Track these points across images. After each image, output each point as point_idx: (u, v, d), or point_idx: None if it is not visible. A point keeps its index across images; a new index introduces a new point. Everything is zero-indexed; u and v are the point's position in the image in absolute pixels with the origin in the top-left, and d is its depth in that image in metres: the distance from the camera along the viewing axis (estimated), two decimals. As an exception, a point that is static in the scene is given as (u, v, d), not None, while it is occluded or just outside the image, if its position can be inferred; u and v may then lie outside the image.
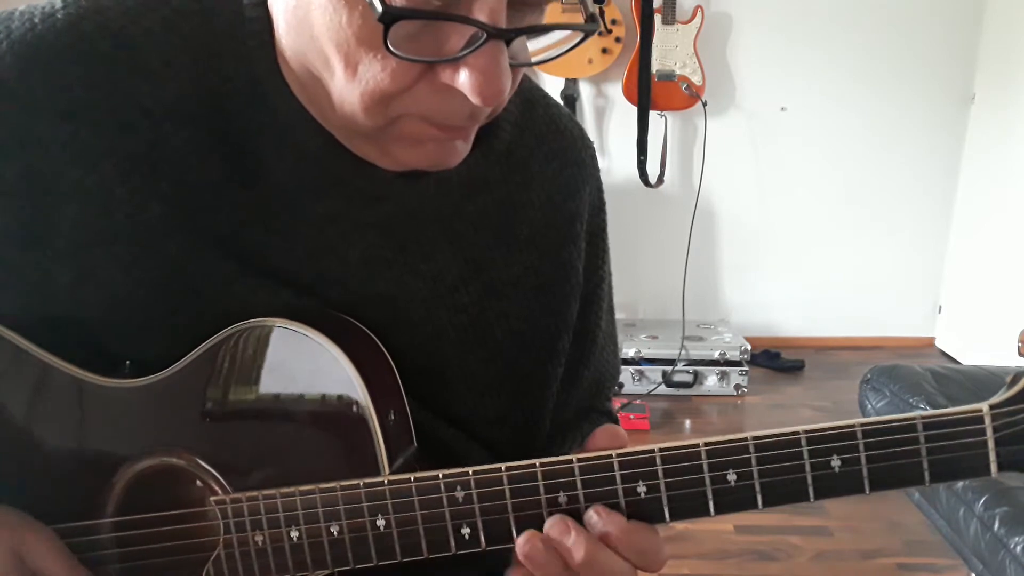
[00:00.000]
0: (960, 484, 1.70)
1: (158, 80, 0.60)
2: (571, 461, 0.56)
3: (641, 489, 0.56)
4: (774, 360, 3.59)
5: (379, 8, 0.47)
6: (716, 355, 3.30)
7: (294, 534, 0.59)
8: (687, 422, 3.11)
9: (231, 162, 0.61)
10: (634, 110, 3.34)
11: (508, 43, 0.51)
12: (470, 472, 0.57)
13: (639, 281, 3.66)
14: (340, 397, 0.59)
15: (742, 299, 3.81)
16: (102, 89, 0.59)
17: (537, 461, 0.56)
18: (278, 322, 0.59)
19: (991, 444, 0.53)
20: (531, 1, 0.51)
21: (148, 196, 0.60)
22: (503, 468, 0.57)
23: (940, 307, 3.82)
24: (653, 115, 3.37)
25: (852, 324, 3.82)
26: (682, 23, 3.37)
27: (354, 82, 0.52)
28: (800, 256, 3.77)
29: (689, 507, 0.56)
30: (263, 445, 0.61)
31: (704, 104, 3.44)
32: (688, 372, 3.29)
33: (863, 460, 0.54)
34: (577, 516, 0.56)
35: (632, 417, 3.01)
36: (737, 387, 3.29)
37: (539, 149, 0.71)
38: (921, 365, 2.05)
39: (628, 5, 3.35)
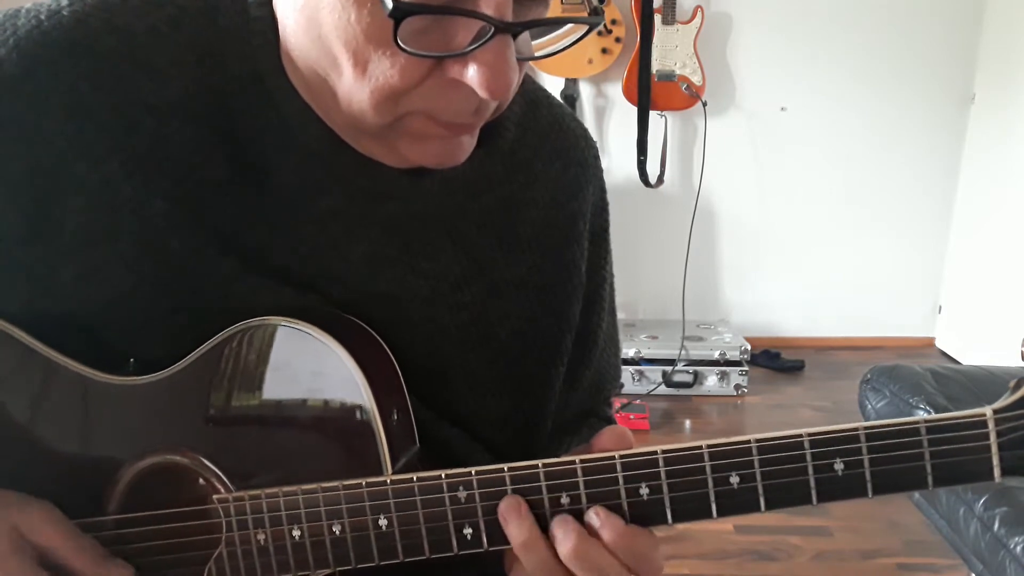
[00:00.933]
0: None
1: (163, 78, 0.60)
2: (574, 462, 0.56)
3: (644, 491, 0.56)
4: (774, 360, 3.58)
5: (389, 4, 0.47)
6: (716, 355, 3.30)
7: (296, 533, 0.59)
8: (687, 422, 3.11)
9: (235, 160, 0.61)
10: (634, 110, 3.34)
11: (515, 37, 0.51)
12: (473, 472, 0.57)
13: (639, 281, 3.66)
14: (343, 397, 0.59)
15: (742, 299, 3.81)
16: (107, 86, 0.59)
17: (540, 462, 0.57)
18: (282, 321, 0.59)
19: (994, 449, 0.53)
20: None
21: (152, 193, 0.60)
22: (506, 469, 0.57)
23: (940, 307, 3.82)
24: (653, 115, 3.38)
25: (852, 324, 3.82)
26: (682, 23, 3.37)
27: (363, 80, 0.52)
28: (800, 256, 3.77)
29: (691, 509, 0.56)
30: (266, 444, 0.61)
31: (704, 104, 3.44)
32: (688, 372, 3.29)
33: (866, 464, 0.54)
34: (579, 517, 0.57)
35: (632, 417, 3.01)
36: (737, 387, 3.29)
37: (543, 149, 0.71)
38: (921, 365, 2.05)
39: (628, 5, 3.35)
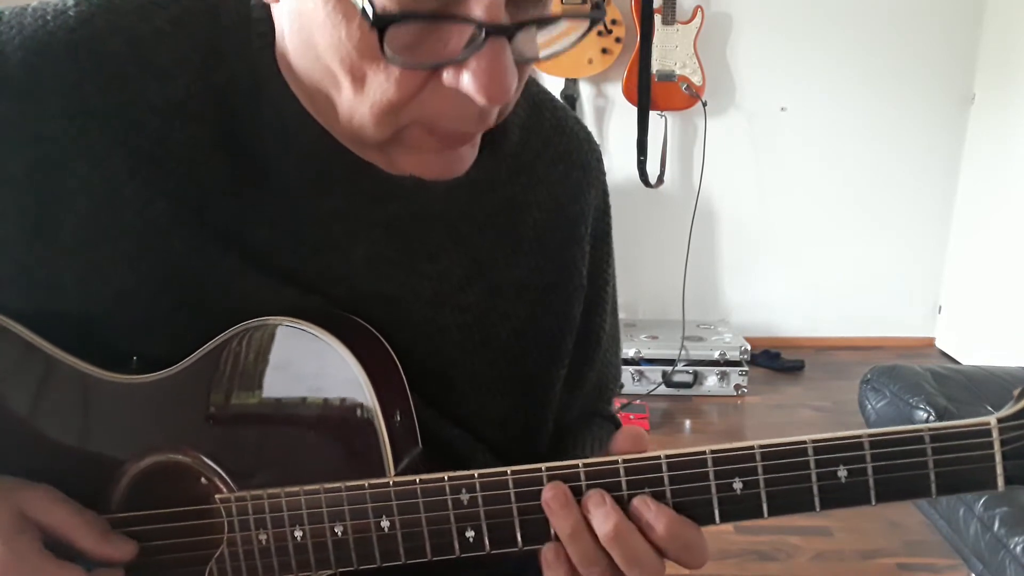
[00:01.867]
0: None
1: (167, 78, 0.60)
2: (577, 466, 0.56)
3: (647, 495, 0.56)
4: (774, 360, 3.58)
5: (370, 16, 0.47)
6: (716, 355, 3.30)
7: (298, 534, 0.59)
8: (687, 422, 3.11)
9: (237, 160, 0.61)
10: (634, 110, 3.34)
11: (511, 39, 0.50)
12: (475, 475, 0.57)
13: (639, 281, 3.66)
14: (346, 397, 0.59)
15: (742, 299, 3.81)
16: (111, 87, 0.59)
17: (543, 465, 0.56)
18: (285, 321, 0.59)
19: (999, 458, 0.53)
20: None
21: (154, 193, 0.60)
22: (508, 472, 0.57)
23: (940, 307, 3.82)
24: (653, 115, 3.37)
25: (852, 324, 3.82)
26: (682, 23, 3.37)
27: (362, 96, 0.52)
28: (800, 256, 3.77)
29: (694, 514, 0.56)
30: (268, 444, 0.61)
31: (704, 104, 3.44)
32: (688, 372, 3.29)
33: (870, 471, 0.54)
34: None
35: (632, 417, 3.01)
36: (737, 387, 3.29)
37: (546, 151, 0.71)
38: (921, 365, 2.05)
39: (628, 5, 3.35)
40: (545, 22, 0.52)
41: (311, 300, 0.63)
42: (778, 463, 0.55)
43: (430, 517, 0.57)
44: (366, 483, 0.58)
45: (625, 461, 0.56)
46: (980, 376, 2.03)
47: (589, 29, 0.54)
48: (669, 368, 3.28)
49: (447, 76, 0.51)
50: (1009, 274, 3.27)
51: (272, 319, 0.60)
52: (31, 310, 0.62)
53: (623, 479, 0.56)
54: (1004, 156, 3.35)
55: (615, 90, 3.50)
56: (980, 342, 3.50)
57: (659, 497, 0.56)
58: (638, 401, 3.17)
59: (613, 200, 0.79)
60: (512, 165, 0.69)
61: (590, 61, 3.40)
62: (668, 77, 3.39)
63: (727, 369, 3.29)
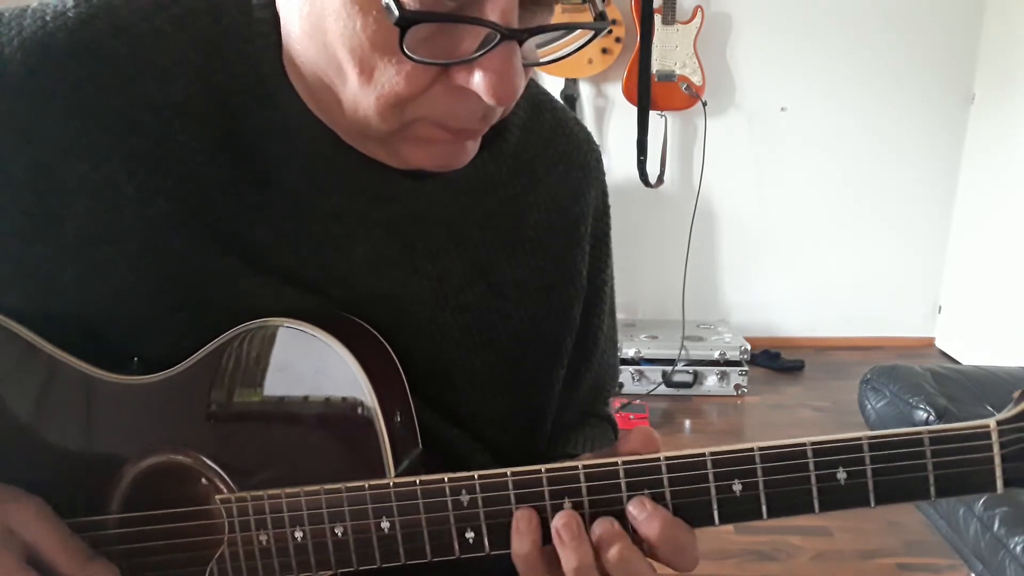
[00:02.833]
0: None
1: (167, 78, 0.60)
2: (576, 468, 0.56)
3: (646, 497, 0.56)
4: (774, 360, 3.59)
5: (396, 12, 0.47)
6: (716, 355, 3.30)
7: (298, 534, 0.59)
8: (687, 422, 3.11)
9: (238, 160, 0.61)
10: (634, 110, 3.34)
11: (521, 43, 0.51)
12: (475, 476, 0.57)
13: (639, 281, 3.66)
14: (347, 398, 0.59)
15: (742, 299, 3.81)
16: (112, 87, 0.59)
17: (543, 467, 0.56)
18: (286, 322, 0.59)
19: (998, 460, 0.53)
20: (542, 0, 0.51)
21: (155, 193, 0.60)
22: (508, 473, 0.57)
23: (940, 307, 3.82)
24: (653, 115, 3.37)
25: (852, 324, 3.83)
26: (682, 23, 3.37)
27: (369, 87, 0.52)
28: (800, 256, 3.78)
29: (693, 516, 0.56)
30: (269, 445, 0.61)
31: (704, 104, 3.44)
32: (688, 372, 3.29)
33: (869, 473, 0.54)
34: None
35: (632, 417, 3.01)
36: (737, 387, 3.29)
37: (546, 152, 0.71)
38: (921, 365, 2.05)
39: (628, 5, 3.35)
40: (557, 29, 0.53)
41: (312, 300, 0.63)
42: (777, 465, 0.54)
43: (430, 518, 0.57)
44: (366, 484, 0.58)
45: (625, 463, 0.56)
46: (980, 376, 2.03)
47: (591, 39, 0.55)
48: (669, 368, 3.29)
49: (458, 75, 0.52)
50: (1009, 274, 3.27)
51: (272, 320, 0.60)
52: (31, 310, 0.62)
53: (622, 480, 0.56)
54: (1004, 156, 3.35)
55: (615, 90, 3.50)
56: (980, 342, 3.50)
57: (658, 498, 0.56)
58: (638, 401, 3.18)
59: (613, 200, 0.79)
60: (512, 166, 0.69)
61: (590, 61, 3.40)
62: (668, 77, 3.39)
63: (727, 369, 3.29)
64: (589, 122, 3.58)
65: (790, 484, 0.55)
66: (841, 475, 0.54)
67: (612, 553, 0.55)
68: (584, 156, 0.74)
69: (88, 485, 0.63)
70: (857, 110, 3.60)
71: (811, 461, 0.54)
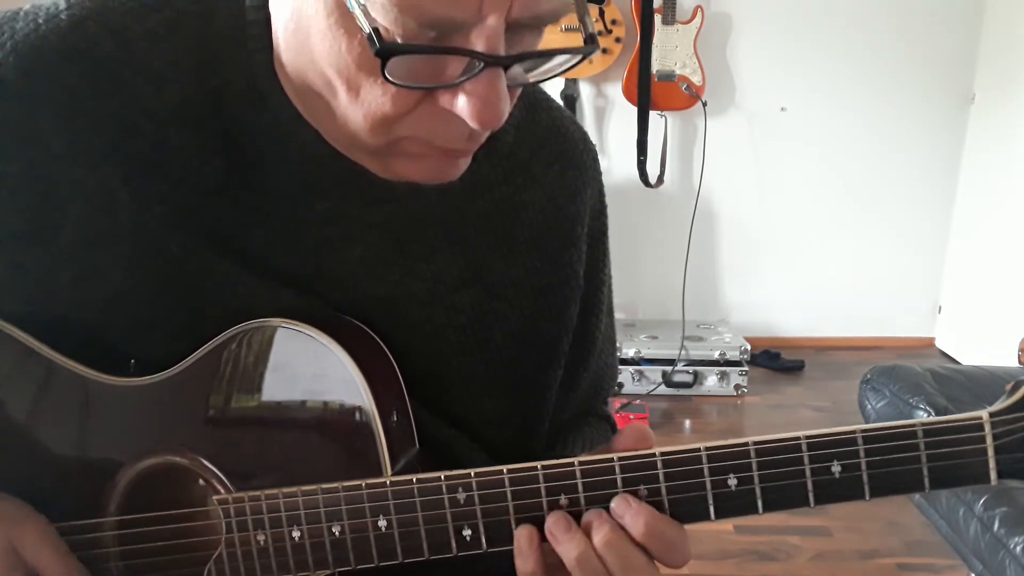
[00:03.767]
0: (960, 485, 1.70)
1: (161, 82, 0.60)
2: (572, 464, 0.56)
3: (642, 492, 0.56)
4: (774, 360, 3.59)
5: (377, 44, 0.47)
6: (716, 355, 3.30)
7: (296, 534, 0.59)
8: (687, 422, 3.11)
9: (232, 163, 0.61)
10: (634, 110, 3.34)
11: (506, 69, 0.51)
12: (472, 474, 0.57)
13: (639, 281, 3.66)
14: (343, 399, 0.59)
15: (742, 299, 3.81)
16: (105, 90, 0.59)
17: (539, 463, 0.57)
18: (282, 323, 0.59)
19: (991, 452, 0.53)
20: (529, 24, 0.51)
21: (150, 196, 0.60)
22: (505, 470, 0.57)
23: (940, 307, 3.82)
24: (653, 115, 3.37)
25: (852, 324, 3.82)
26: (682, 23, 3.37)
27: (357, 104, 0.53)
28: (800, 256, 3.77)
29: (690, 511, 0.56)
30: (266, 445, 0.61)
31: (704, 104, 3.44)
32: (688, 372, 3.29)
33: (863, 466, 0.54)
34: (578, 519, 0.56)
35: (632, 417, 3.01)
36: (737, 387, 3.29)
37: (541, 152, 0.71)
38: (921, 365, 2.05)
39: (628, 5, 3.35)
40: (540, 56, 0.53)
41: (307, 302, 0.63)
42: (772, 459, 0.55)
43: (427, 516, 0.58)
44: (363, 483, 0.58)
45: (621, 459, 0.56)
46: (980, 376, 2.03)
47: (581, 60, 0.54)
48: (669, 368, 3.29)
49: (443, 98, 0.52)
50: (1009, 274, 3.27)
51: (268, 321, 0.60)
52: (28, 313, 0.62)
53: (618, 476, 0.56)
54: (1004, 156, 3.35)
55: (615, 90, 3.50)
56: (980, 342, 3.50)
57: (654, 494, 0.56)
58: (638, 401, 3.17)
59: (612, 200, 0.79)
60: (507, 166, 0.69)
61: (590, 61, 3.39)
62: (668, 77, 3.39)
63: (727, 369, 3.29)
64: (589, 122, 3.58)
65: (785, 478, 0.55)
66: (836, 468, 0.54)
67: (599, 538, 0.55)
68: (580, 155, 0.74)
69: (86, 487, 0.63)
70: (857, 110, 3.60)
71: (805, 455, 0.54)
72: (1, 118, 0.58)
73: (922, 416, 1.82)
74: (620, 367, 2.85)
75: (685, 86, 3.38)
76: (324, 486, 0.58)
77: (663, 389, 3.28)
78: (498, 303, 0.69)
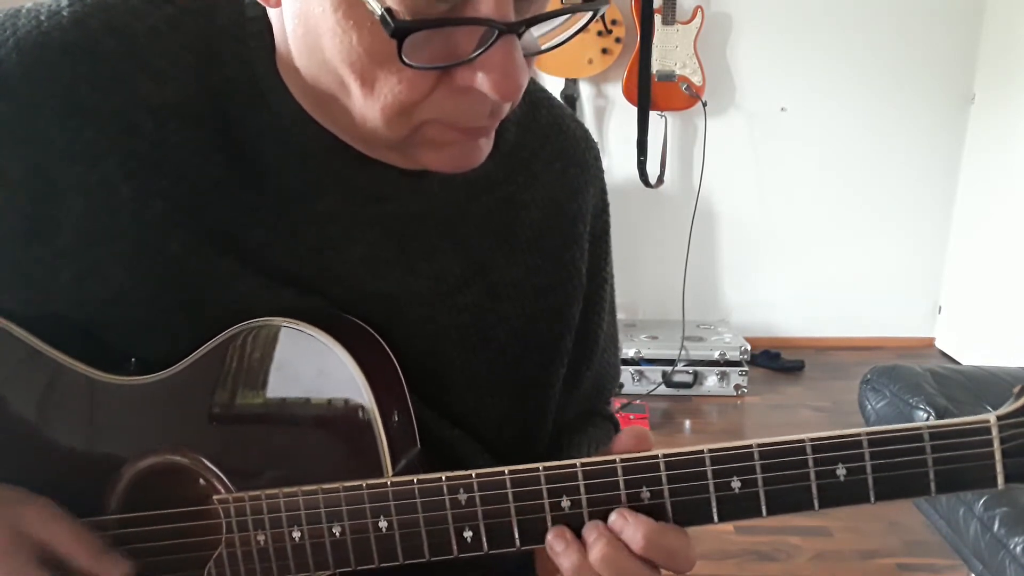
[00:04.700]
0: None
1: (162, 79, 0.60)
2: (575, 466, 0.56)
3: (645, 494, 0.56)
4: (774, 360, 3.58)
5: (391, 24, 0.47)
6: (716, 355, 3.30)
7: (296, 534, 0.59)
8: (687, 422, 3.11)
9: (234, 161, 0.61)
10: (634, 110, 3.34)
11: (519, 36, 0.50)
12: (473, 475, 0.57)
13: (639, 281, 3.66)
14: (344, 398, 0.59)
15: (742, 299, 3.81)
16: (107, 87, 0.59)
17: (540, 465, 0.56)
18: (283, 322, 0.59)
19: (998, 456, 0.53)
20: None
21: (151, 194, 0.60)
22: (506, 472, 0.57)
23: (940, 307, 3.82)
24: (653, 115, 3.37)
25: (852, 324, 3.82)
26: (682, 23, 3.37)
27: (373, 98, 0.52)
28: (800, 256, 3.77)
29: (693, 514, 0.56)
30: (267, 445, 0.61)
31: (704, 104, 3.44)
32: (688, 372, 3.29)
33: (868, 469, 0.54)
34: (579, 521, 0.56)
35: (632, 417, 3.01)
36: (737, 387, 3.29)
37: (543, 150, 0.71)
38: (921, 365, 2.05)
39: (628, 5, 3.35)
40: (553, 15, 0.52)
41: (309, 301, 0.63)
42: (776, 462, 0.54)
43: (428, 517, 0.57)
44: (364, 483, 0.58)
45: (623, 460, 0.55)
46: (980, 376, 2.03)
47: (592, 19, 0.54)
48: (669, 368, 3.28)
49: (460, 75, 0.52)
50: (1009, 274, 3.27)
51: (269, 320, 0.60)
52: (28, 311, 0.62)
53: (621, 479, 0.56)
54: (1004, 156, 3.35)
55: (615, 90, 3.50)
56: (980, 342, 3.50)
57: (657, 496, 0.55)
58: (638, 401, 3.17)
59: (613, 200, 0.79)
60: (509, 164, 0.69)
61: (590, 61, 3.40)
62: (668, 77, 3.39)
63: (727, 369, 3.29)
64: (589, 122, 3.58)
65: (789, 481, 0.54)
66: (841, 471, 0.54)
67: (595, 554, 0.55)
68: (582, 153, 0.74)
69: (86, 486, 0.63)
70: (857, 110, 3.60)
71: (810, 458, 0.54)
72: (3, 115, 0.58)
73: (922, 416, 1.82)
74: (620, 367, 2.85)
75: (685, 86, 3.38)
76: (325, 486, 0.58)
77: (663, 389, 3.28)
78: (500, 302, 0.69)
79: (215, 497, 0.61)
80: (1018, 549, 1.54)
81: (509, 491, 0.56)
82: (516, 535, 0.57)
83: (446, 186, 0.66)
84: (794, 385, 3.46)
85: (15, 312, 0.62)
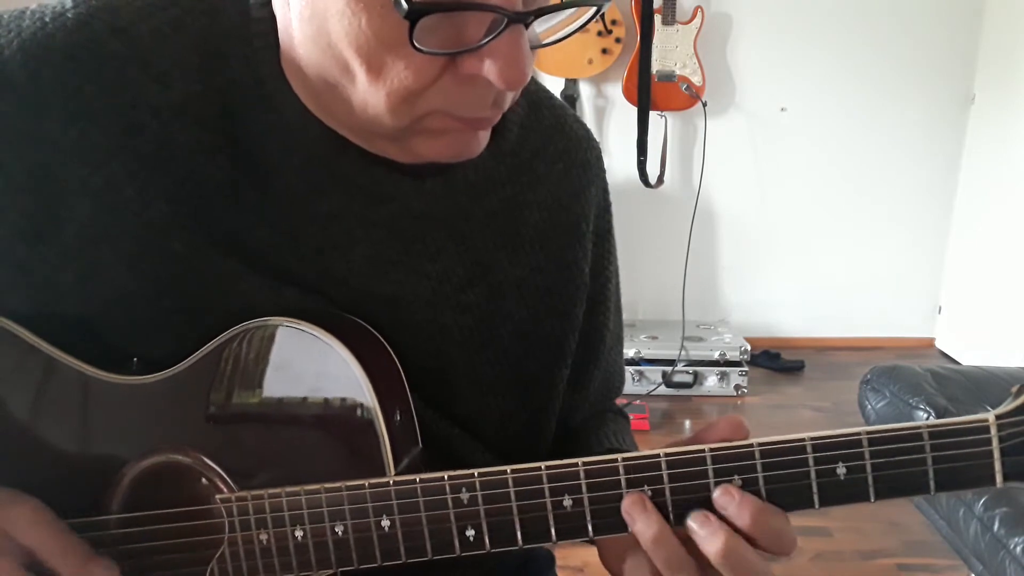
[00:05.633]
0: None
1: (167, 80, 0.60)
2: (576, 464, 0.56)
3: (646, 493, 0.56)
4: (774, 360, 3.58)
5: (405, 6, 0.47)
6: (716, 355, 3.30)
7: (299, 533, 0.59)
8: (687, 422, 3.11)
9: (238, 162, 0.61)
10: (634, 110, 3.34)
11: (527, 26, 0.51)
12: (475, 474, 0.57)
13: (639, 281, 3.65)
14: (346, 398, 0.59)
15: (742, 299, 3.81)
16: (111, 89, 0.59)
17: (543, 464, 0.56)
18: (286, 321, 0.59)
19: (997, 454, 0.53)
20: None
21: (155, 195, 0.60)
22: (508, 470, 0.57)
23: (940, 307, 3.82)
24: (653, 115, 3.37)
25: (852, 324, 3.82)
26: (682, 23, 3.37)
27: (378, 83, 0.53)
28: (800, 256, 3.77)
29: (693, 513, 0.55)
30: (269, 444, 0.61)
31: (704, 104, 3.44)
32: (688, 372, 3.29)
33: (868, 468, 0.54)
34: (582, 520, 0.56)
35: (632, 417, 2.99)
36: (737, 387, 3.29)
37: (545, 150, 0.71)
38: (921, 365, 2.05)
39: (628, 5, 3.35)
40: (561, 8, 0.53)
41: (312, 301, 0.63)
42: (777, 460, 0.55)
43: (430, 516, 0.57)
44: (366, 483, 0.58)
45: (625, 460, 0.56)
46: (980, 376, 2.03)
47: (593, 16, 0.55)
48: (669, 368, 3.28)
49: (466, 63, 0.52)
50: (1009, 274, 3.27)
51: (272, 319, 0.60)
52: (31, 311, 0.62)
53: (623, 477, 0.56)
54: (1004, 156, 3.35)
55: (615, 90, 3.50)
56: (980, 342, 3.50)
57: (658, 495, 0.56)
58: (638, 401, 3.17)
59: (613, 200, 0.79)
60: (512, 164, 0.69)
61: (590, 61, 3.40)
62: (668, 77, 3.39)
63: (727, 369, 3.29)
64: (589, 122, 3.57)
65: (790, 480, 0.55)
66: (841, 470, 0.54)
67: (717, 547, 0.53)
68: (584, 153, 0.74)
69: (88, 485, 0.63)
70: (857, 110, 3.60)
71: (810, 457, 0.54)
72: (8, 117, 0.58)
73: (922, 416, 1.82)
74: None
75: (685, 86, 3.38)
76: (327, 485, 0.58)
77: (663, 389, 3.28)
78: (503, 302, 0.69)
79: (217, 496, 0.61)
80: (1018, 549, 1.54)
81: (511, 490, 0.56)
82: (518, 534, 0.57)
83: (450, 186, 0.66)
84: (794, 385, 3.46)
85: (17, 311, 0.62)
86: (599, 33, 3.32)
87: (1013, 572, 1.54)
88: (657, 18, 3.31)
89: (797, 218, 3.73)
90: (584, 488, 0.56)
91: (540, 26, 0.55)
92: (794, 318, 3.82)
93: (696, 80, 3.40)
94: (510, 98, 0.58)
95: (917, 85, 3.57)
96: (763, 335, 3.73)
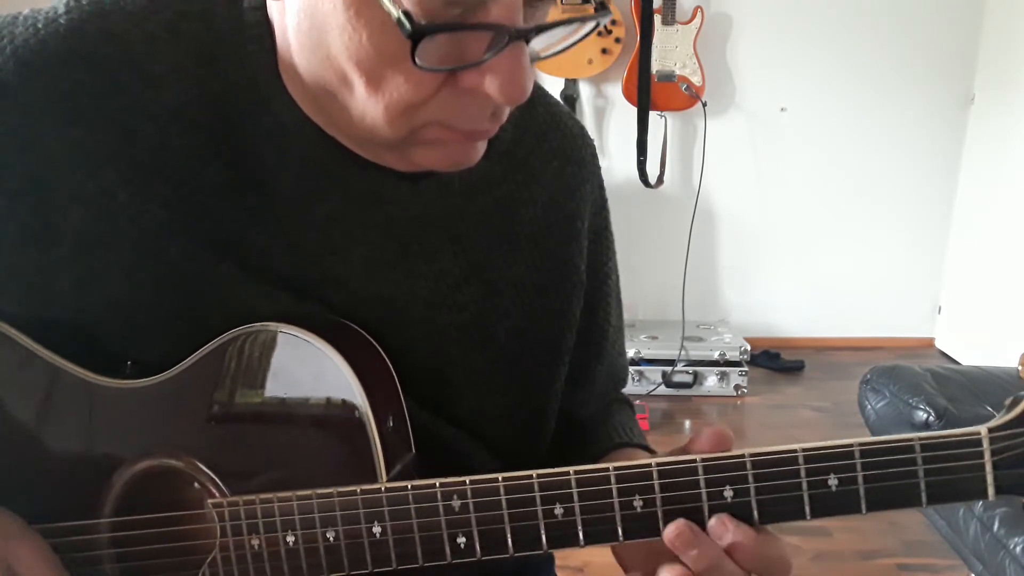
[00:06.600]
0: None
1: (161, 85, 0.60)
2: (568, 473, 0.56)
3: (638, 503, 0.56)
4: (774, 360, 3.58)
5: (408, 27, 0.47)
6: (716, 355, 3.30)
7: (290, 539, 0.59)
8: (687, 423, 3.11)
9: (233, 166, 0.61)
10: (634, 110, 3.34)
11: (528, 41, 0.51)
12: (467, 481, 0.57)
13: (639, 281, 3.65)
14: (339, 403, 0.59)
15: (742, 299, 3.81)
16: (105, 94, 0.59)
17: (534, 472, 0.56)
18: (280, 327, 0.59)
19: (989, 467, 0.53)
20: None
21: (150, 200, 0.60)
22: (500, 479, 0.57)
23: (940, 307, 3.82)
24: (653, 115, 3.37)
25: (852, 324, 3.82)
26: (682, 23, 3.37)
27: (377, 96, 0.53)
28: (800, 256, 3.77)
29: None
30: (262, 449, 0.61)
31: (704, 104, 3.44)
32: (688, 372, 3.29)
33: (860, 480, 0.54)
34: (573, 528, 0.56)
35: (632, 416, 3.00)
36: (737, 387, 3.29)
37: (540, 148, 0.71)
38: (921, 365, 2.05)
39: (628, 5, 3.35)
40: (562, 24, 0.53)
41: (308, 305, 0.63)
42: (768, 471, 0.54)
43: (421, 523, 0.57)
44: (358, 489, 0.58)
45: (616, 469, 0.55)
46: (980, 376, 2.03)
47: (593, 30, 0.55)
48: (669, 368, 3.28)
49: (466, 78, 0.52)
50: (1008, 274, 3.26)
51: (267, 325, 0.60)
52: (26, 315, 0.62)
53: (614, 487, 0.56)
54: (1004, 156, 3.35)
55: (615, 90, 3.50)
56: (980, 342, 3.50)
57: (649, 505, 0.55)
58: (638, 401, 3.17)
59: (613, 200, 0.79)
60: (507, 163, 0.69)
61: (590, 61, 3.40)
62: (668, 77, 3.38)
63: (727, 369, 3.29)
64: (589, 122, 3.58)
65: (781, 491, 0.55)
66: (832, 482, 0.54)
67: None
68: (579, 151, 0.74)
69: (81, 488, 0.63)
70: (857, 110, 3.60)
71: (802, 468, 0.54)
72: (2, 123, 0.58)
73: (922, 416, 1.82)
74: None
75: (685, 86, 3.38)
76: (319, 491, 0.58)
77: (663, 389, 3.28)
78: (500, 300, 0.69)
79: (209, 501, 0.61)
80: (1018, 549, 1.54)
81: (503, 498, 0.56)
82: (509, 541, 0.57)
83: (444, 187, 0.66)
84: (794, 385, 3.46)
85: (12, 315, 0.62)
86: (599, 33, 3.32)
87: (1013, 572, 1.54)
88: (657, 18, 3.31)
89: (797, 218, 3.73)
90: (575, 497, 0.56)
91: (539, 40, 0.55)
92: (794, 318, 3.82)
93: (696, 80, 3.39)
94: (507, 111, 0.58)
95: (917, 85, 3.57)
96: (763, 335, 3.72)
